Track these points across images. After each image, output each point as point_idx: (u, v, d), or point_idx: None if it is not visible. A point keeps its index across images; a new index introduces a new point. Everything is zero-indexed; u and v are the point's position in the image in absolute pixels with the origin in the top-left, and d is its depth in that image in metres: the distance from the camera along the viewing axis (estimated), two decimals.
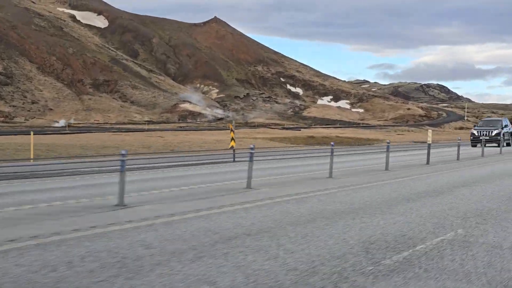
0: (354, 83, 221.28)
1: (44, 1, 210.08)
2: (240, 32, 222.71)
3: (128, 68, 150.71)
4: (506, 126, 44.13)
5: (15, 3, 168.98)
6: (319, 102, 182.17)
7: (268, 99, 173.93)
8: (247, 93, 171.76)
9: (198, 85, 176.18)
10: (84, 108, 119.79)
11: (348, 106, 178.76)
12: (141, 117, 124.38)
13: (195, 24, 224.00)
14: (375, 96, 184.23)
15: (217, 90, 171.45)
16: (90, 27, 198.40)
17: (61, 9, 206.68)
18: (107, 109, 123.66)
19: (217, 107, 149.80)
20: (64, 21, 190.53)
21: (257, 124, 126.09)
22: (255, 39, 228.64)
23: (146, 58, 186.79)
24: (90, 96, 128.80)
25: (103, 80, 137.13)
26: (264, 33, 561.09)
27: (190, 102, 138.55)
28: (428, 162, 23.03)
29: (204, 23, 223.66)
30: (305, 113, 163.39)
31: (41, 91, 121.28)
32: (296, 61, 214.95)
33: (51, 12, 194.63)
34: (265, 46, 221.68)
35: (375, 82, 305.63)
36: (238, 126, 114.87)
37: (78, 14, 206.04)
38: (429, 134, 26.45)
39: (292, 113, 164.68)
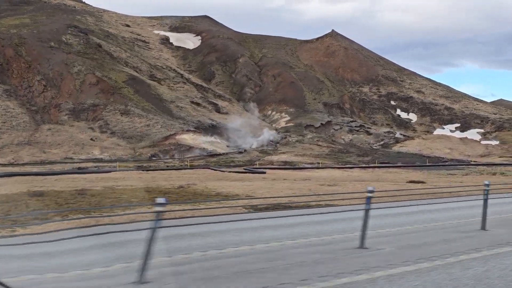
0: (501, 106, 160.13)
1: (143, 24, 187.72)
2: (359, 47, 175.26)
3: (144, 90, 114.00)
4: None
5: (81, 22, 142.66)
6: (437, 131, 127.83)
7: (357, 128, 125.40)
8: (328, 121, 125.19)
9: (270, 111, 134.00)
10: (17, 143, 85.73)
11: (478, 137, 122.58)
12: (98, 153, 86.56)
13: (306, 41, 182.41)
14: None
15: (288, 118, 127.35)
16: (177, 48, 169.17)
17: (157, 32, 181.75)
18: (56, 143, 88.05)
19: (258, 136, 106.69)
20: (147, 42, 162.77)
21: (264, 163, 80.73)
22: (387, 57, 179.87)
23: (221, 82, 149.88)
24: (55, 125, 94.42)
25: (90, 104, 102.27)
26: (500, 67, 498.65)
27: (194, 132, 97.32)
28: None
29: (317, 38, 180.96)
30: (397, 147, 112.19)
31: None
32: (425, 78, 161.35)
33: (139, 34, 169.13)
34: (390, 62, 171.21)
35: None
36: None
37: (173, 36, 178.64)
38: None
39: (379, 146, 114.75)
